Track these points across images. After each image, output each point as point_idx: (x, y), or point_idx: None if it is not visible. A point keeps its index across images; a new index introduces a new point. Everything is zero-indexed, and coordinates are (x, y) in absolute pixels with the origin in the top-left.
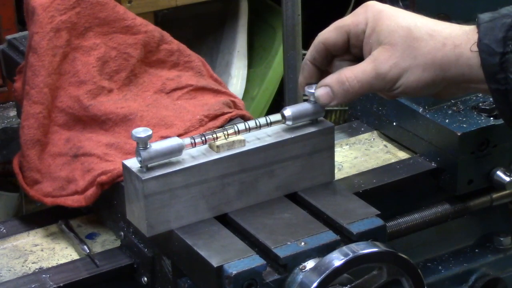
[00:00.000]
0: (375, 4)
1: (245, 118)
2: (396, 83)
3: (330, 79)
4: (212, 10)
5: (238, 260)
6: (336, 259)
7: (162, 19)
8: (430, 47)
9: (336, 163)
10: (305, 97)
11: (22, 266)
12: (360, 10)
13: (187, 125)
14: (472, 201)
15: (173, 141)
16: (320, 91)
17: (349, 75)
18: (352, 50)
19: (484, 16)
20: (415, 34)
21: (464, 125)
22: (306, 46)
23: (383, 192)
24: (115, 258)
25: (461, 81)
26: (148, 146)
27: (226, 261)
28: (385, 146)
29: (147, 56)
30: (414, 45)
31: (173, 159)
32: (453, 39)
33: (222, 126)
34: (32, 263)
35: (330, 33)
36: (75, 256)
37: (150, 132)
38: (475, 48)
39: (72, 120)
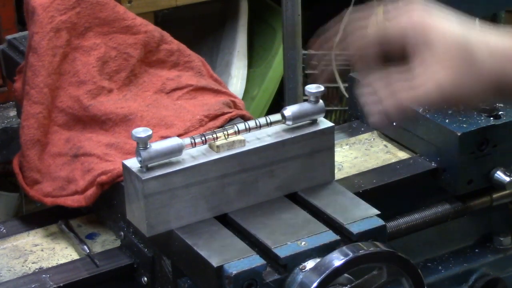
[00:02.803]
0: (419, 11)
1: (245, 118)
2: (459, 102)
3: (387, 104)
4: (212, 10)
5: (238, 260)
6: (336, 259)
7: (162, 19)
8: (490, 69)
9: (336, 163)
10: (305, 97)
11: (22, 266)
12: (403, 16)
13: (187, 125)
14: (472, 201)
15: (173, 141)
16: (377, 119)
17: (408, 98)
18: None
19: None
20: (475, 55)
21: (464, 125)
22: (306, 46)
23: (383, 192)
24: (115, 258)
25: None
26: (148, 146)
27: (226, 261)
28: (385, 146)
29: (147, 56)
30: (475, 65)
31: (173, 159)
32: None
33: (222, 126)
34: (32, 263)
35: (370, 46)
36: (75, 256)
37: (150, 132)
38: None
39: (72, 120)
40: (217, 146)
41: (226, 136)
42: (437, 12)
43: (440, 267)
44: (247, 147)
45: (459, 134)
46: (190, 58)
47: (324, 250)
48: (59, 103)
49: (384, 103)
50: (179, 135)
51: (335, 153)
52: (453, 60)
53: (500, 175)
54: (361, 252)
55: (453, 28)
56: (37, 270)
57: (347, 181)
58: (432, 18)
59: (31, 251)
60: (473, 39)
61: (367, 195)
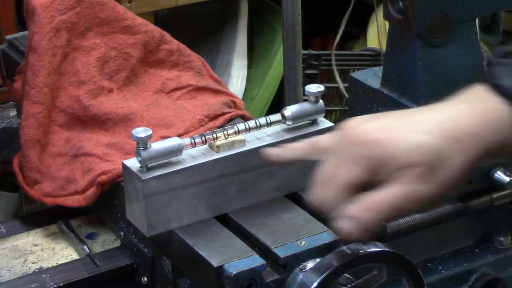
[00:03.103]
0: (365, 138)
1: (245, 118)
2: (434, 202)
3: (355, 209)
4: (212, 10)
5: (238, 260)
6: (336, 259)
7: (162, 19)
8: (459, 159)
9: None
10: (305, 97)
11: (22, 266)
12: (355, 151)
13: (187, 125)
14: (472, 201)
15: (173, 141)
16: (346, 224)
17: (379, 200)
18: None
19: (510, 87)
20: (434, 149)
21: None
22: (306, 46)
23: None
24: (115, 258)
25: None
26: (148, 146)
27: (226, 261)
28: None
29: (147, 56)
30: (440, 159)
31: (173, 159)
32: (487, 133)
33: (222, 126)
34: (32, 263)
35: (339, 199)
36: (75, 256)
37: (150, 132)
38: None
39: (72, 120)
40: (217, 146)
41: (226, 136)
42: (382, 124)
43: (440, 267)
44: (247, 147)
45: None
46: (190, 58)
47: (324, 250)
48: (59, 103)
49: (352, 209)
50: (179, 135)
51: None
52: (416, 160)
53: (500, 175)
54: (361, 252)
55: (402, 133)
56: (37, 270)
57: None
58: (377, 133)
59: (31, 251)
60: (426, 137)
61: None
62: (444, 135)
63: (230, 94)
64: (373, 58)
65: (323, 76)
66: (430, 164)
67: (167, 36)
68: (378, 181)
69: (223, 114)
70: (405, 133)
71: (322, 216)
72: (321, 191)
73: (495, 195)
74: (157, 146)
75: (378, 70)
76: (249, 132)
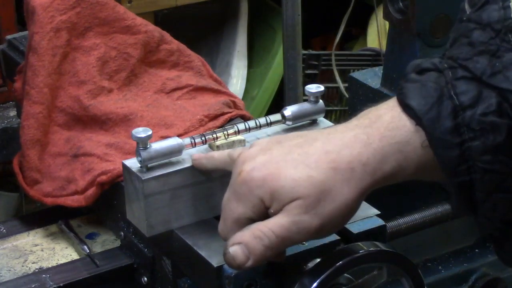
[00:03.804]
0: (252, 175)
1: (245, 118)
2: (320, 231)
3: (243, 236)
4: (212, 10)
5: None
6: (336, 259)
7: (162, 19)
8: (345, 190)
9: None
10: (305, 97)
11: (22, 266)
12: (243, 188)
13: (187, 125)
14: None
15: (173, 141)
16: (234, 250)
17: (265, 229)
18: None
19: (420, 108)
20: (318, 181)
21: None
22: (306, 46)
23: (383, 192)
24: (115, 258)
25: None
26: (148, 146)
27: None
28: None
29: (147, 56)
30: (324, 191)
31: (173, 159)
32: (376, 164)
33: (222, 126)
34: (32, 263)
35: (232, 232)
36: (75, 256)
37: (150, 132)
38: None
39: (72, 120)
40: (217, 146)
41: (226, 136)
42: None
43: (440, 267)
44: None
45: None
46: (190, 58)
47: (324, 250)
48: (59, 103)
49: (239, 236)
50: (179, 135)
51: None
52: (301, 193)
53: None
54: (361, 252)
55: (288, 168)
56: (37, 270)
57: None
58: (271, 172)
59: (31, 251)
60: (313, 172)
61: (367, 195)
62: (330, 166)
63: (230, 94)
64: (373, 58)
65: (323, 76)
66: (314, 196)
67: (167, 36)
68: (272, 213)
69: (223, 114)
70: (292, 167)
71: None
72: (220, 222)
73: None
74: (157, 146)
75: (378, 70)
76: (249, 132)
